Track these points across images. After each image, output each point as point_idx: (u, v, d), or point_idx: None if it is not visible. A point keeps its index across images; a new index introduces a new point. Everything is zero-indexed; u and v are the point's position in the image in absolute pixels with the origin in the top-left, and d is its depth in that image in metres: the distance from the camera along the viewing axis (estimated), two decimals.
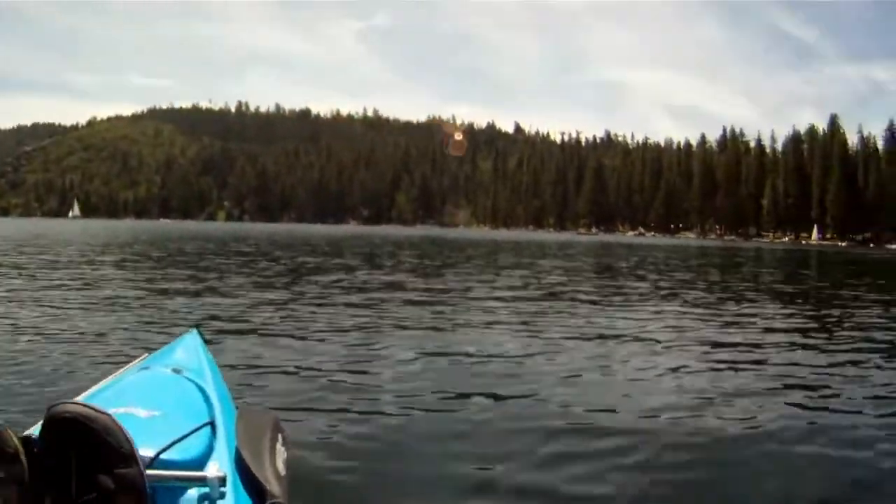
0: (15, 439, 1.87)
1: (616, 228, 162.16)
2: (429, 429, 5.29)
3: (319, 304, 12.78)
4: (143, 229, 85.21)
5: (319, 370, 7.21)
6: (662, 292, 17.01)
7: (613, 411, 5.68)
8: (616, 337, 9.64)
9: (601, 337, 9.60)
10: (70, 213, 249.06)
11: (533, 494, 4.09)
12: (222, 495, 2.02)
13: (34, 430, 2.26)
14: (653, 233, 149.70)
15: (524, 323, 10.80)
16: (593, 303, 13.87)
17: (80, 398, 2.78)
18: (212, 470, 2.17)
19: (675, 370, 7.52)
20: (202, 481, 2.12)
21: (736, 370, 7.63)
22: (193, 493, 2.09)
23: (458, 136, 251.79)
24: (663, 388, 6.74)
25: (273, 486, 2.22)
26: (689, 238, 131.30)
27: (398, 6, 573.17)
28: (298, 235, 71.63)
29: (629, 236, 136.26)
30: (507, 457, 4.57)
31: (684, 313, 12.67)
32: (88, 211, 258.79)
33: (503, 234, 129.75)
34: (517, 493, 4.12)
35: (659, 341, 9.33)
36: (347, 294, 14.90)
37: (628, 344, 9.15)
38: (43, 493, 1.81)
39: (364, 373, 7.16)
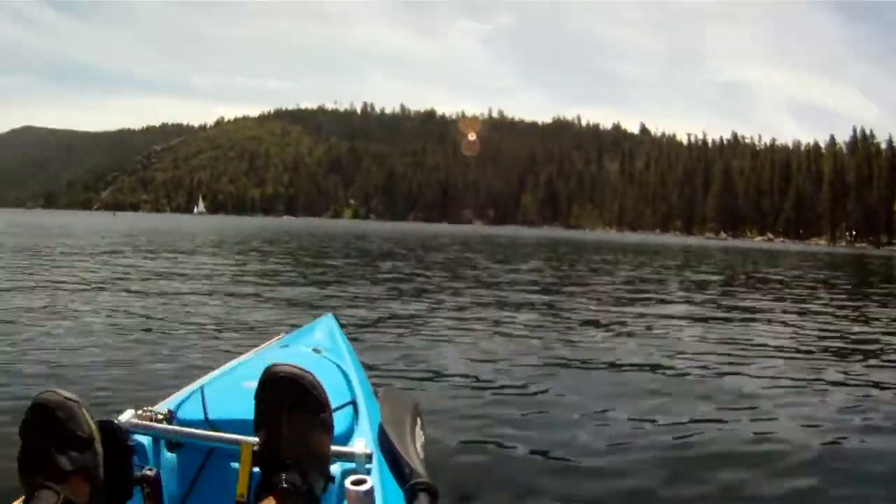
0: (92, 422, 1.89)
1: (744, 233, 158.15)
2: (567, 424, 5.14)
3: (455, 299, 13.02)
4: (268, 225, 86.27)
5: (453, 362, 7.32)
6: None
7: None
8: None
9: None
10: (195, 209, 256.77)
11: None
12: (368, 472, 2.10)
13: (187, 391, 2.53)
14: (782, 238, 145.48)
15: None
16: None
17: (222, 369, 3.21)
18: (358, 446, 2.26)
19: None
20: (349, 457, 2.20)
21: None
22: (338, 467, 2.17)
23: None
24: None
25: (418, 467, 2.25)
26: (820, 245, 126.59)
27: (521, 7, 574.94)
28: (426, 234, 71.33)
29: (757, 241, 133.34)
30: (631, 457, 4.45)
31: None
32: (216, 208, 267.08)
33: (631, 237, 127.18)
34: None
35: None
36: (476, 289, 15.23)
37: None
38: (259, 427, 2.00)
39: (503, 365, 7.22)
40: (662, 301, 14.37)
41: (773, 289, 19.53)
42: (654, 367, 7.35)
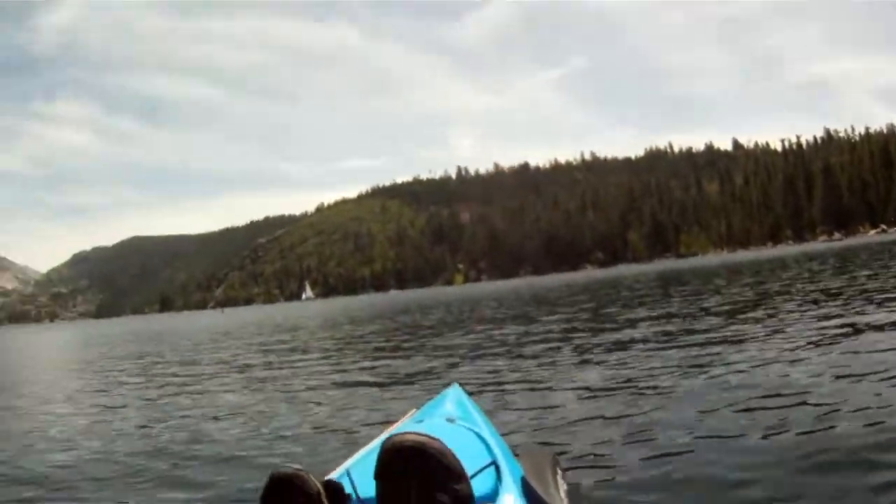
0: (317, 483, 2.18)
1: (856, 230, 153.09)
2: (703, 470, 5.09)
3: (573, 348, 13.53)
4: (376, 302, 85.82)
5: (581, 411, 7.65)
6: None
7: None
8: None
9: None
10: (303, 296, 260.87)
11: None
12: None
13: (336, 475, 2.70)
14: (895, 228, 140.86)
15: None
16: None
17: (363, 451, 3.35)
18: (507, 501, 2.36)
19: None
20: None
21: None
22: None
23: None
24: None
25: None
26: None
27: (586, 48, 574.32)
28: (536, 288, 68.92)
29: (871, 235, 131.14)
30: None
31: None
32: (327, 291, 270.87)
33: (744, 254, 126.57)
34: None
35: None
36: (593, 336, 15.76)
37: None
38: None
39: (622, 410, 7.48)
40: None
41: None
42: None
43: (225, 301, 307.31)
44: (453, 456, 1.97)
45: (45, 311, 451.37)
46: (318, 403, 10.00)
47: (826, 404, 6.50)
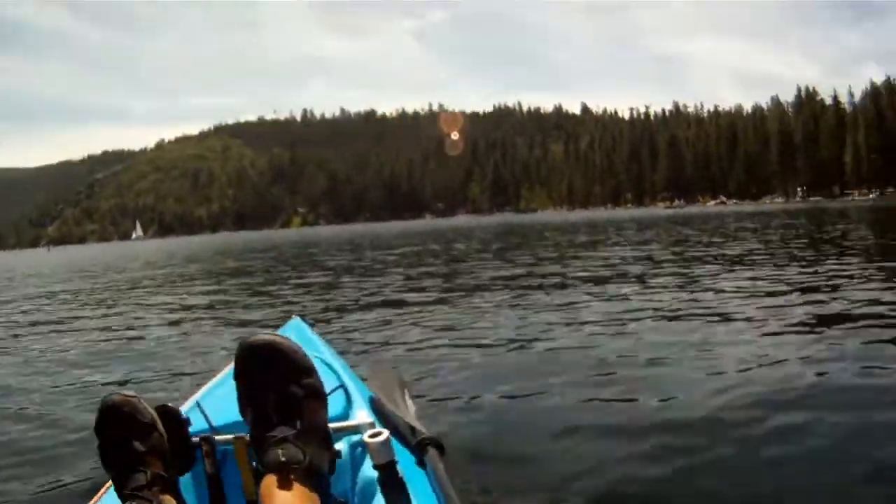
0: (150, 409, 2.11)
1: (696, 199, 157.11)
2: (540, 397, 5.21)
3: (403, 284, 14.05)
4: (202, 244, 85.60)
5: (422, 340, 7.71)
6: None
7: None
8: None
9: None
10: (133, 235, 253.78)
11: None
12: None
13: (183, 409, 2.47)
14: (734, 200, 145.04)
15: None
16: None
17: (210, 384, 3.17)
18: (360, 417, 2.32)
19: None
20: (354, 430, 2.23)
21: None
22: (343, 444, 2.17)
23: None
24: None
25: (419, 426, 2.30)
26: (776, 203, 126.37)
27: (449, 2, 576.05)
28: (375, 233, 71.85)
29: (710, 205, 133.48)
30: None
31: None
32: (164, 230, 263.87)
33: (581, 214, 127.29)
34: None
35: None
36: (418, 275, 16.22)
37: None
38: (245, 408, 2.01)
39: (469, 336, 7.74)
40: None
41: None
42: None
43: (59, 239, 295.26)
44: (304, 353, 2.05)
45: None
46: (152, 346, 9.13)
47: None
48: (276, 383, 1.95)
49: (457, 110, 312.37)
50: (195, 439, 2.23)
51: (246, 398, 2.00)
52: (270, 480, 1.80)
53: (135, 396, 2.12)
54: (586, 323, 8.06)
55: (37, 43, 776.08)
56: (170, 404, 2.29)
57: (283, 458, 1.82)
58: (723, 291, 10.18)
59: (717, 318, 7.88)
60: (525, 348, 6.99)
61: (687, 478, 3.59)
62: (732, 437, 4.07)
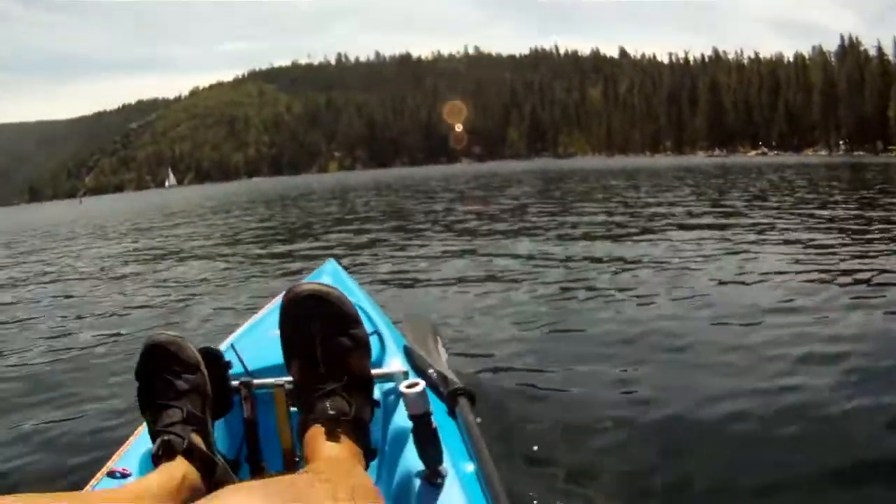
0: (195, 351, 2.16)
1: (736, 149, 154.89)
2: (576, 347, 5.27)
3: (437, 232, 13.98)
4: (236, 190, 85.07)
5: (454, 286, 7.94)
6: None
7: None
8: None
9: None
10: (167, 183, 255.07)
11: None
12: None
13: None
14: (776, 151, 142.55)
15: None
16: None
17: (245, 326, 3.29)
18: (394, 366, 2.37)
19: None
20: (388, 377, 2.28)
21: None
22: (377, 390, 2.15)
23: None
24: None
25: (452, 376, 2.32)
26: (819, 155, 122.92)
27: None
28: (415, 179, 70.28)
29: (751, 156, 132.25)
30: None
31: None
32: (201, 177, 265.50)
33: (622, 160, 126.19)
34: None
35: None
36: (477, 224, 15.87)
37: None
38: (290, 359, 2.01)
39: (500, 285, 7.84)
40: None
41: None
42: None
43: (96, 188, 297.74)
44: (351, 303, 2.06)
45: None
46: (191, 289, 9.48)
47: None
48: (323, 333, 1.95)
49: (493, 52, 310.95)
50: (234, 383, 2.26)
51: (291, 348, 2.01)
52: (317, 431, 1.82)
53: (181, 337, 2.16)
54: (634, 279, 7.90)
55: None
56: (212, 346, 2.32)
57: (331, 411, 1.84)
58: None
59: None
60: (564, 299, 6.95)
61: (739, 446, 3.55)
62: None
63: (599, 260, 9.43)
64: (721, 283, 7.59)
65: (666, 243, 10.70)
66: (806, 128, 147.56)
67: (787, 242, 10.55)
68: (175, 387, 2.05)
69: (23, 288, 11.49)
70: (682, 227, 13.05)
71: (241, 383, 2.26)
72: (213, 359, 2.22)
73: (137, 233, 23.16)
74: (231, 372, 2.41)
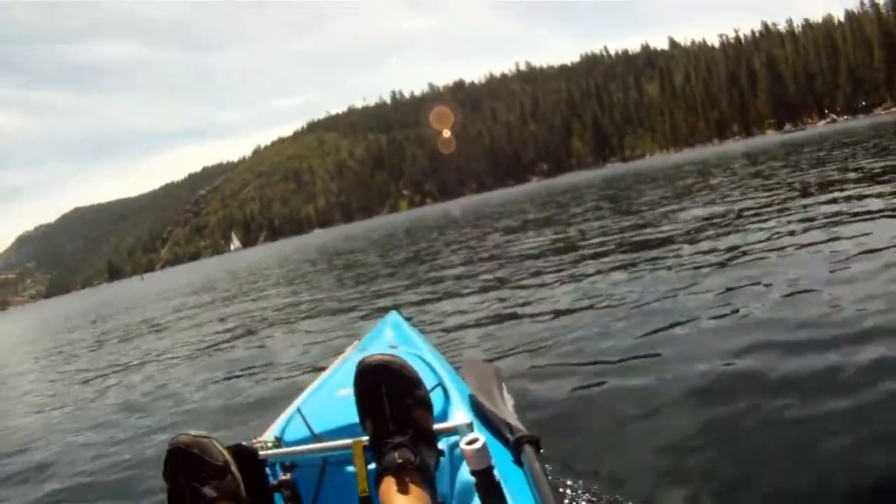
0: (224, 451, 2.14)
1: (804, 120, 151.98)
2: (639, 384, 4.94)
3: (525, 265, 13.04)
4: (303, 245, 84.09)
5: (521, 328, 7.50)
6: None
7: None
8: None
9: None
10: (231, 246, 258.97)
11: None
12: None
13: (286, 415, 2.66)
14: (845, 116, 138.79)
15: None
16: None
17: (312, 387, 3.36)
18: (458, 418, 2.40)
19: None
20: (452, 431, 2.31)
21: None
22: (443, 443, 2.27)
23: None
24: None
25: (516, 423, 2.41)
26: (891, 113, 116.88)
27: None
28: (479, 205, 69.44)
29: (820, 125, 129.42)
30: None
31: None
32: (274, 234, 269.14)
33: (689, 153, 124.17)
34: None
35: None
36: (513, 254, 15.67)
37: None
38: (365, 419, 2.19)
39: (558, 323, 7.31)
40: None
41: None
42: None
43: (173, 259, 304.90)
44: (411, 368, 2.23)
45: None
46: (262, 345, 10.18)
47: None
48: (389, 396, 2.12)
49: (544, 66, 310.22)
50: (273, 482, 2.29)
51: (365, 410, 2.18)
52: (389, 481, 1.97)
53: (206, 437, 2.12)
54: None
55: (119, 79, 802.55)
56: (244, 443, 2.30)
57: (399, 460, 1.99)
58: None
59: None
60: (643, 335, 6.21)
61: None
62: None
63: (682, 289, 8.00)
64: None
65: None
66: (871, 87, 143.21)
67: None
68: (203, 495, 2.00)
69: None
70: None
71: (281, 482, 2.32)
72: (246, 457, 2.21)
73: (189, 312, 22.78)
74: (298, 437, 2.56)
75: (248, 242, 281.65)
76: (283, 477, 2.36)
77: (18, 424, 8.88)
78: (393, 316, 4.49)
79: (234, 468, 2.11)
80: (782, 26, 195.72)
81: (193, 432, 2.14)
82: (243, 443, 2.34)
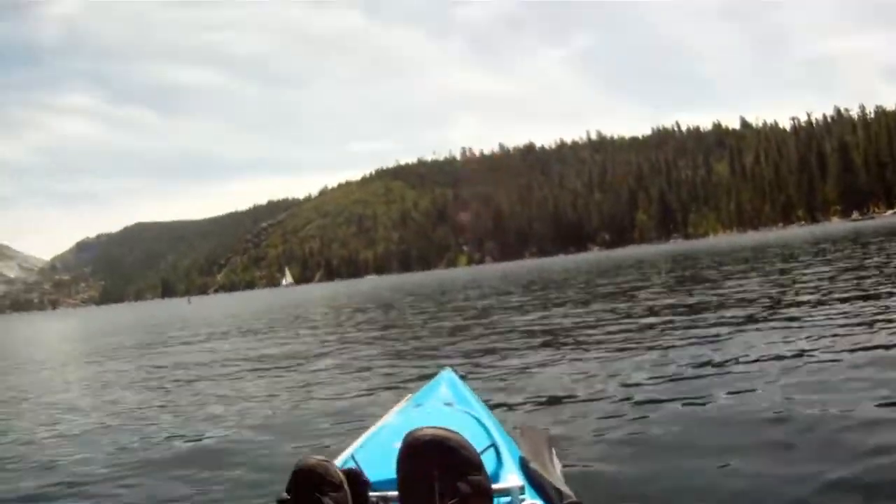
0: (339, 472, 2.32)
1: (870, 210, 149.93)
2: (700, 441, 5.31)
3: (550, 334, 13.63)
4: (353, 290, 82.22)
5: (569, 390, 7.83)
6: None
7: None
8: None
9: None
10: (283, 282, 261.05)
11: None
12: (522, 501, 2.20)
13: (339, 462, 2.69)
14: None
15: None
16: None
17: (366, 435, 3.43)
18: (510, 481, 2.39)
19: None
20: (505, 493, 2.32)
21: None
22: (497, 503, 2.21)
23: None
24: None
25: (565, 489, 2.41)
26: None
27: (592, 25, 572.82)
28: (539, 269, 69.96)
29: (888, 215, 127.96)
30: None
31: None
32: (330, 274, 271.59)
33: (753, 236, 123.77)
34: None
35: None
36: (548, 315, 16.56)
37: None
38: (408, 498, 2.15)
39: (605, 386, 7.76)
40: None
41: None
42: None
43: (227, 285, 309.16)
44: (472, 447, 2.12)
45: (48, 298, 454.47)
46: (310, 393, 9.85)
47: None
48: (442, 481, 2.00)
49: (615, 136, 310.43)
50: (374, 497, 2.40)
51: (409, 490, 2.11)
52: None
53: (326, 460, 2.34)
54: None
55: (199, 105, 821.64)
56: (354, 468, 2.47)
57: None
58: None
59: None
60: (688, 403, 6.65)
61: None
62: None
63: (728, 358, 8.67)
64: None
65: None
66: None
67: None
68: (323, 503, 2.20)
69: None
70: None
71: (379, 497, 2.42)
72: (355, 478, 2.36)
73: (241, 336, 23.70)
74: None
75: (303, 279, 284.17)
76: (384, 492, 2.43)
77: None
78: (448, 373, 4.52)
79: (346, 486, 2.28)
80: (854, 112, 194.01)
81: (316, 456, 2.38)
82: (353, 468, 2.46)
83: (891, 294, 12.82)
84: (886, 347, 8.07)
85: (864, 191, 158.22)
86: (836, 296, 13.63)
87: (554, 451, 3.26)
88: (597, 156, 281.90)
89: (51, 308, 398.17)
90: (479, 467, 2.11)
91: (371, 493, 2.42)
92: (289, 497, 2.33)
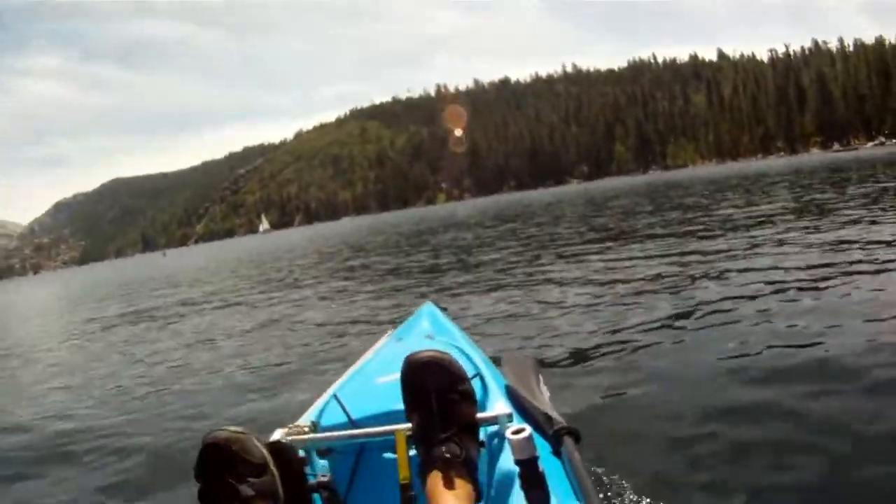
0: (262, 448, 2.08)
1: (850, 142, 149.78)
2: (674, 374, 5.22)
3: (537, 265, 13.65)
4: (325, 232, 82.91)
5: (549, 320, 7.85)
6: None
7: None
8: None
9: None
10: (260, 229, 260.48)
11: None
12: (509, 428, 2.15)
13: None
14: (894, 140, 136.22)
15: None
16: None
17: (349, 373, 3.39)
18: (497, 409, 2.40)
19: None
20: (493, 420, 2.34)
21: None
22: (482, 433, 2.24)
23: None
24: None
25: (555, 415, 2.41)
26: None
27: None
28: (516, 204, 69.69)
29: (868, 147, 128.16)
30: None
31: None
32: (310, 217, 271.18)
33: (733, 166, 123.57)
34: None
35: None
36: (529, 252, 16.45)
37: None
38: (411, 413, 2.17)
39: (590, 311, 7.86)
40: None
41: None
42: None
43: (206, 235, 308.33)
44: (458, 364, 2.21)
45: (29, 263, 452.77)
46: (294, 332, 10.04)
47: None
48: (438, 391, 2.11)
49: (591, 69, 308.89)
50: (312, 482, 2.27)
51: (412, 404, 2.17)
52: (435, 475, 1.98)
53: (245, 433, 2.05)
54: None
55: (168, 58, 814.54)
56: (283, 440, 2.33)
57: (447, 455, 2.00)
58: None
59: None
60: (675, 327, 6.71)
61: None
62: None
63: (714, 277, 9.10)
64: None
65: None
66: None
67: None
68: (240, 493, 1.94)
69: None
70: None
71: (320, 484, 2.30)
72: (285, 455, 2.17)
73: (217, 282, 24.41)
74: (334, 422, 2.57)
75: (282, 224, 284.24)
76: (322, 478, 2.31)
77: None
78: (428, 307, 4.52)
79: (272, 466, 2.06)
80: (833, 45, 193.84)
81: (231, 428, 2.06)
82: (281, 439, 2.34)
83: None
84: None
85: (842, 123, 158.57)
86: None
87: (541, 378, 3.24)
88: (573, 88, 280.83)
89: (32, 273, 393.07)
90: (465, 379, 2.21)
91: (318, 477, 2.34)
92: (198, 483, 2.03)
